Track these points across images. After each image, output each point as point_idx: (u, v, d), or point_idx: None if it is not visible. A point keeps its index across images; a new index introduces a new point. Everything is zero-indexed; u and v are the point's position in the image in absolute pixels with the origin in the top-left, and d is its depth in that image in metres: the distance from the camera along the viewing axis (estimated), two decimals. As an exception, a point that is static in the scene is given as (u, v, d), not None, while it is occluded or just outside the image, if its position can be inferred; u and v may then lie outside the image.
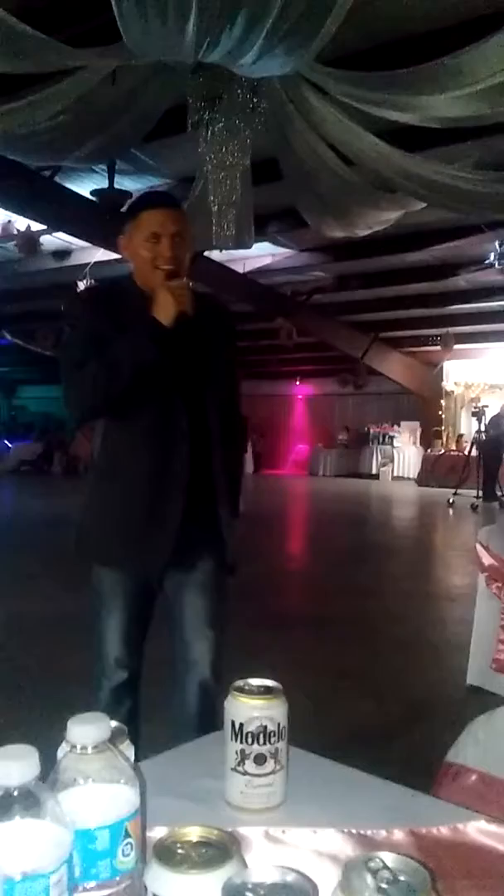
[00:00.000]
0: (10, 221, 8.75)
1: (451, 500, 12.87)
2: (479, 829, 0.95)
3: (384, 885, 0.59)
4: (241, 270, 10.74)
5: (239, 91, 4.42)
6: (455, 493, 12.88)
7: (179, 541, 2.04)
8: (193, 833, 0.63)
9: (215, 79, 4.34)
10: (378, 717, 3.54)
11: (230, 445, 2.19)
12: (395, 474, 19.29)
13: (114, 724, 0.72)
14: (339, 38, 3.71)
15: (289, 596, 6.74)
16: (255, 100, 4.50)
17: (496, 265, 9.36)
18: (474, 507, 12.30)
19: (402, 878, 0.60)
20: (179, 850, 0.61)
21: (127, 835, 0.62)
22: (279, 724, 0.95)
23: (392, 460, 19.72)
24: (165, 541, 2.03)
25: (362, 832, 0.93)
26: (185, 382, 2.07)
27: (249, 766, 0.94)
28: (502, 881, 0.86)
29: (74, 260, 9.75)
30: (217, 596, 2.13)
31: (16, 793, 0.55)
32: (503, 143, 5.52)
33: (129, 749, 0.81)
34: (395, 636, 5.10)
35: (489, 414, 13.58)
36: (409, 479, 18.61)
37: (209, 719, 1.91)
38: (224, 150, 4.82)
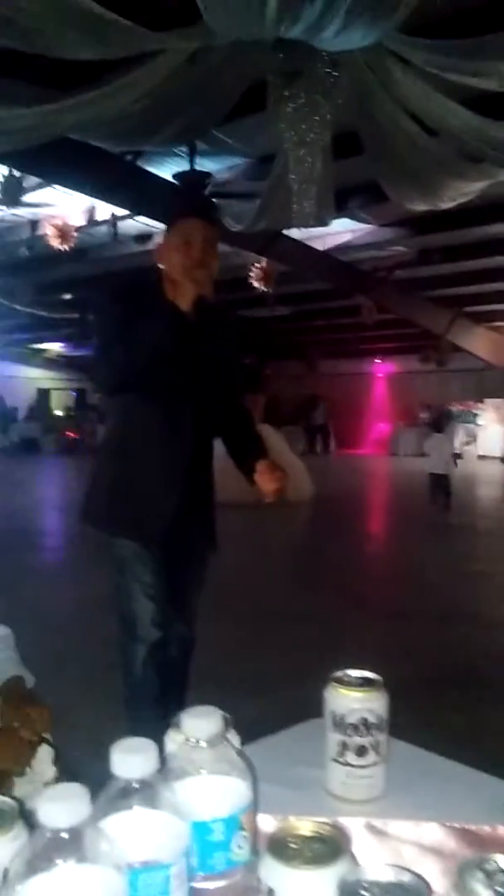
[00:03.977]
0: (94, 207, 8.90)
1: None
2: None
3: (500, 889, 0.58)
4: (320, 248, 10.61)
5: (319, 65, 4.33)
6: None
7: (178, 517, 2.30)
8: (305, 827, 0.63)
9: (295, 54, 4.27)
10: (464, 708, 3.49)
11: (236, 430, 2.48)
12: (480, 453, 18.84)
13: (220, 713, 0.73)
14: (422, 5, 3.59)
15: (370, 581, 6.70)
16: (335, 73, 4.40)
17: None
18: None
19: (518, 882, 0.59)
20: (292, 845, 0.61)
21: (241, 827, 0.64)
22: (379, 716, 0.95)
23: (476, 439, 19.26)
24: (167, 513, 2.30)
25: (466, 827, 0.92)
26: (195, 373, 2.30)
27: (350, 756, 0.94)
28: None
29: (156, 243, 9.82)
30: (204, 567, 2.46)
31: (136, 785, 0.57)
32: None
33: (234, 738, 0.82)
34: (484, 622, 5.01)
35: None
36: (494, 458, 18.15)
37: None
38: (304, 126, 4.74)
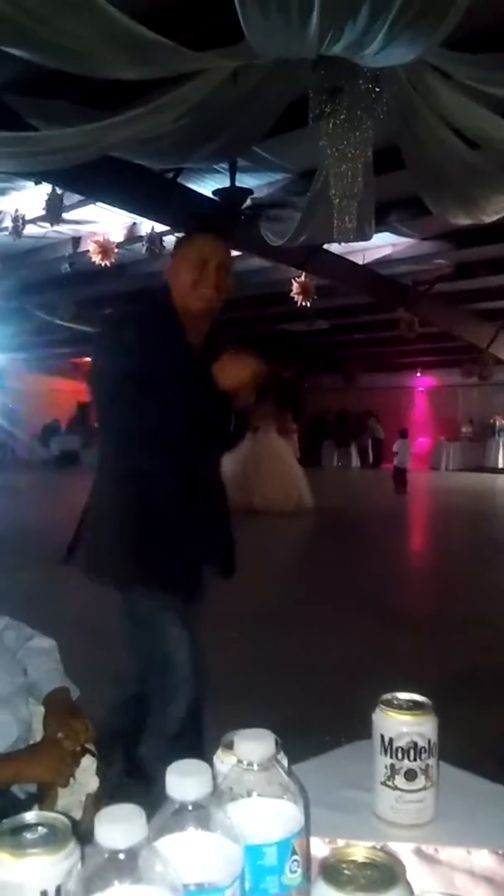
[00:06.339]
0: (134, 224, 9.02)
1: None
2: None
3: None
4: (360, 262, 10.59)
5: (360, 82, 4.35)
6: None
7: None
8: (359, 853, 0.62)
9: (337, 71, 4.28)
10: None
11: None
12: (523, 468, 18.58)
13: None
14: (464, 21, 3.58)
15: (411, 595, 6.62)
16: (376, 89, 4.41)
17: None
18: None
19: None
20: (346, 871, 0.61)
21: (294, 852, 0.63)
22: (429, 741, 0.94)
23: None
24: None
25: (518, 855, 0.90)
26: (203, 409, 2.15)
27: (400, 781, 0.93)
28: None
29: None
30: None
31: (190, 807, 0.57)
32: None
33: (284, 760, 0.82)
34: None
35: None
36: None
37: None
38: (345, 142, 4.75)
